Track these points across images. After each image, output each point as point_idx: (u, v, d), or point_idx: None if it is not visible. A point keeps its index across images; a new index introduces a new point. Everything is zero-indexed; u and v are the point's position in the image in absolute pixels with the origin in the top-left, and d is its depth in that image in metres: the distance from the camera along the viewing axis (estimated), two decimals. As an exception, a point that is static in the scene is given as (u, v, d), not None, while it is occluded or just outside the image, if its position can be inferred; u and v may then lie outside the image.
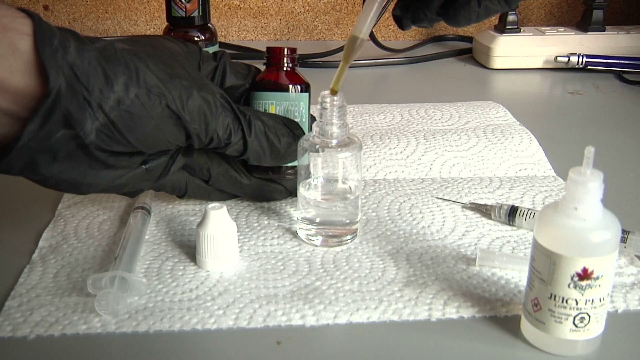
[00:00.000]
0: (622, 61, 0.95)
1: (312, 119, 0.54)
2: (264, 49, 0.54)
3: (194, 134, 0.45)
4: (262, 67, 0.54)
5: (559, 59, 0.95)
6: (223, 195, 0.54)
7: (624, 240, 0.47)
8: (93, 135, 0.40)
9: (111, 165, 0.43)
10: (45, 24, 0.39)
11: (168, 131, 0.43)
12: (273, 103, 0.52)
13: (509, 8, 0.44)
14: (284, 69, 0.52)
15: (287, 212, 0.54)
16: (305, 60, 1.01)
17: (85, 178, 0.43)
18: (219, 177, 0.52)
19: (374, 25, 0.47)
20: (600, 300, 0.37)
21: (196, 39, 0.75)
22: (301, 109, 0.52)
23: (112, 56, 0.40)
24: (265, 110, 0.52)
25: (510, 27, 1.00)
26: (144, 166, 0.45)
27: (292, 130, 0.51)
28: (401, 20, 0.47)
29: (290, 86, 0.52)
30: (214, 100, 0.45)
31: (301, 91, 0.52)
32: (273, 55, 0.53)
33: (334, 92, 0.47)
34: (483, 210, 0.54)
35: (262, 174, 0.53)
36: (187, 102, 0.43)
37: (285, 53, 0.52)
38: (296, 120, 0.52)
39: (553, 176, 0.62)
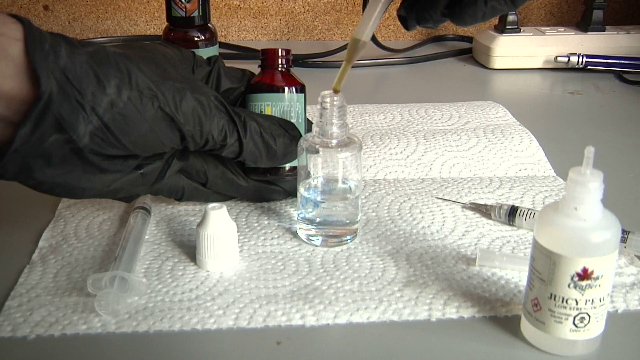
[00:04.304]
0: (622, 61, 0.95)
1: (309, 122, 0.54)
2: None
3: (189, 135, 0.45)
4: (258, 70, 0.54)
5: (559, 59, 0.95)
6: (221, 197, 0.54)
7: (624, 240, 0.47)
8: (87, 138, 0.40)
9: (105, 169, 0.43)
10: (35, 28, 0.39)
11: (162, 133, 0.43)
12: (269, 104, 0.52)
13: (514, 8, 0.44)
14: (279, 70, 0.52)
15: (287, 212, 0.54)
16: (305, 60, 1.01)
17: (80, 182, 0.43)
18: (216, 180, 0.52)
19: (376, 27, 0.47)
20: (600, 300, 0.37)
21: (196, 39, 0.75)
22: (297, 109, 0.52)
23: (103, 59, 0.41)
24: (261, 111, 0.52)
25: (510, 27, 1.00)
26: (139, 171, 0.45)
27: (288, 131, 0.51)
28: (406, 21, 0.47)
29: (286, 87, 0.52)
30: (208, 101, 0.45)
31: (297, 92, 0.52)
32: (268, 56, 0.53)
33: (336, 92, 0.47)
34: (483, 210, 0.54)
35: (260, 176, 0.53)
36: (180, 104, 0.43)
37: (280, 54, 0.52)
38: (292, 121, 0.52)
39: (553, 176, 0.62)
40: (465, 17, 0.44)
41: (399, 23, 0.49)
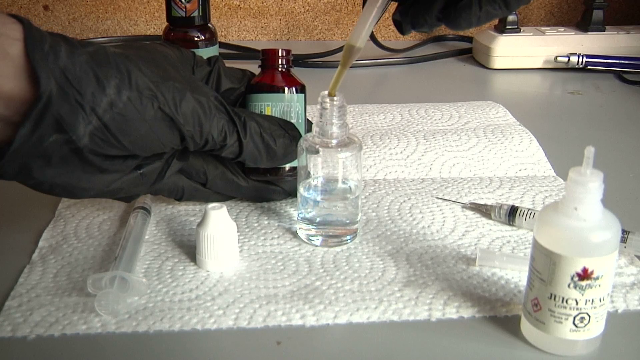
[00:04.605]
0: (622, 61, 0.95)
1: (309, 122, 0.54)
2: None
3: (189, 136, 0.45)
4: (259, 71, 0.54)
5: (559, 59, 0.95)
6: (221, 197, 0.54)
7: (624, 240, 0.47)
8: (86, 138, 0.40)
9: (105, 169, 0.43)
10: (35, 29, 0.39)
11: (162, 134, 0.43)
12: (269, 104, 0.52)
13: (509, 12, 0.44)
14: (279, 70, 0.53)
15: (287, 212, 0.54)
16: (305, 60, 1.01)
17: (80, 182, 0.43)
18: (215, 180, 0.52)
19: (370, 32, 0.47)
20: (600, 300, 0.37)
21: (196, 39, 0.75)
22: (297, 110, 0.52)
23: (103, 60, 0.41)
24: (261, 112, 0.52)
25: (510, 27, 1.00)
26: (139, 171, 0.45)
27: (288, 131, 0.51)
28: (401, 25, 0.47)
29: (286, 88, 0.52)
30: (208, 102, 0.45)
31: (297, 92, 0.52)
32: (268, 57, 0.53)
33: (331, 96, 0.47)
34: (483, 210, 0.54)
35: (260, 176, 0.53)
36: (180, 105, 0.43)
37: (280, 54, 0.52)
38: (292, 121, 0.52)
39: (553, 176, 0.62)
40: (460, 22, 0.44)
41: (397, 24, 0.49)
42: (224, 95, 0.53)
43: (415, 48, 1.10)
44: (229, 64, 0.55)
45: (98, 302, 0.41)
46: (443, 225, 0.52)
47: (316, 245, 0.49)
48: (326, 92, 0.47)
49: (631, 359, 0.39)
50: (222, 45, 1.04)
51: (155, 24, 1.16)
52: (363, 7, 0.47)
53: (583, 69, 0.96)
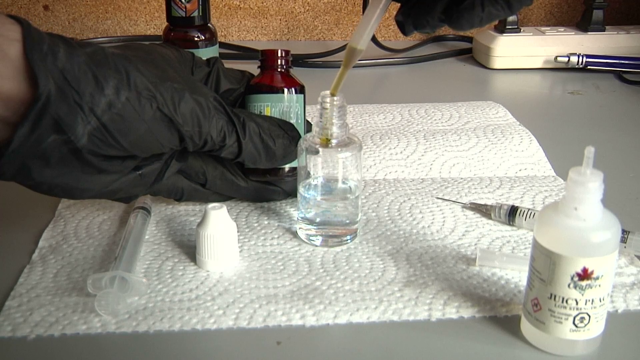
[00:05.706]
0: (622, 61, 0.95)
1: (308, 124, 0.54)
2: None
3: (188, 136, 0.45)
4: (258, 71, 0.54)
5: (559, 59, 0.95)
6: (221, 197, 0.54)
7: (624, 240, 0.47)
8: (85, 139, 0.40)
9: (104, 170, 0.43)
10: (34, 29, 0.39)
11: (161, 134, 0.43)
12: (268, 105, 0.52)
13: (511, 13, 0.44)
14: (279, 71, 0.53)
15: (287, 212, 0.54)
16: (305, 60, 1.01)
17: (79, 183, 0.43)
18: (215, 181, 0.52)
19: (372, 34, 0.47)
20: (600, 300, 0.37)
21: (196, 39, 0.75)
22: (296, 110, 0.52)
23: (102, 60, 0.41)
24: (260, 112, 0.52)
25: (510, 27, 1.00)
26: (137, 172, 0.45)
27: (287, 132, 0.51)
28: (403, 26, 0.47)
29: (285, 88, 0.52)
30: (207, 102, 0.45)
31: (296, 93, 0.52)
32: (267, 57, 0.53)
33: (332, 96, 0.47)
34: (483, 210, 0.54)
35: (259, 177, 0.53)
36: (179, 105, 0.43)
37: (280, 55, 0.52)
38: (291, 122, 0.52)
39: (553, 176, 0.62)
40: (463, 22, 0.44)
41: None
42: (223, 96, 0.53)
43: (415, 48, 1.10)
44: (228, 64, 0.55)
45: (98, 302, 0.41)
46: (443, 225, 0.52)
47: (316, 245, 0.49)
48: (327, 92, 0.47)
49: (631, 359, 0.39)
50: (222, 45, 1.03)
51: (155, 24, 1.16)
52: (364, 9, 0.47)
53: (583, 69, 0.96)
